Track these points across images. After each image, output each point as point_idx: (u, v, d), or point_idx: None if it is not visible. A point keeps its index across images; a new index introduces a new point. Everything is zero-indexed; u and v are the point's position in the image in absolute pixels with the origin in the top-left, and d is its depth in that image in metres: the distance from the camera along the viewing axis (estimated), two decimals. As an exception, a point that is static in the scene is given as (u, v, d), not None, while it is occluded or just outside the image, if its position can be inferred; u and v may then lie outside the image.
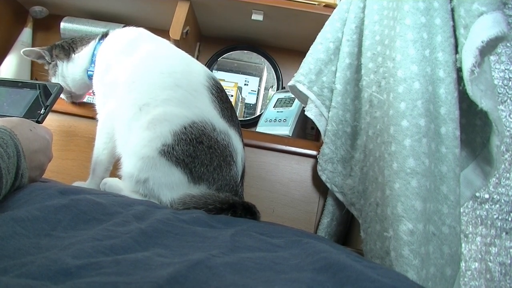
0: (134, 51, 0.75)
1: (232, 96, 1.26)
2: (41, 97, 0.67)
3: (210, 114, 0.66)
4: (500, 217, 0.87)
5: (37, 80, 1.33)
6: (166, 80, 0.68)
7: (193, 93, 0.67)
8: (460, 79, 0.62)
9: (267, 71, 1.36)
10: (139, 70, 0.71)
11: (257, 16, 1.14)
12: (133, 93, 0.69)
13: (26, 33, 1.31)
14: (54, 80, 0.88)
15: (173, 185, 0.62)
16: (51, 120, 0.91)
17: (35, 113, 0.64)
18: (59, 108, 0.93)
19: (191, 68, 0.72)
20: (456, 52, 0.63)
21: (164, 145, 0.61)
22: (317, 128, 0.88)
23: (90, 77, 0.83)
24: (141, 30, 0.81)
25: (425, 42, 0.63)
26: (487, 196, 0.89)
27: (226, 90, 0.76)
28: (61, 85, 0.69)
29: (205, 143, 0.63)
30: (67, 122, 0.95)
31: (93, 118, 0.95)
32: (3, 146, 0.43)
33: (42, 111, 0.65)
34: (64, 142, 0.94)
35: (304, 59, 0.89)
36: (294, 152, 0.92)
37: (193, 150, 0.62)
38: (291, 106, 1.10)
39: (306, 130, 1.15)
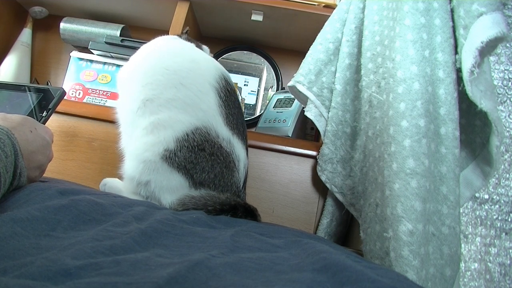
0: (146, 47, 0.75)
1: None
2: (43, 100, 0.68)
3: (214, 119, 0.64)
4: (499, 218, 0.87)
5: (37, 81, 1.33)
6: (171, 78, 0.66)
7: (198, 93, 0.65)
8: (459, 80, 0.62)
9: (267, 72, 1.36)
10: (144, 63, 0.70)
11: (257, 17, 1.15)
12: (134, 84, 0.67)
13: (26, 33, 1.32)
14: None
15: (174, 189, 0.61)
16: (52, 121, 0.91)
17: (37, 116, 0.65)
18: (59, 109, 0.93)
19: (199, 67, 0.69)
20: (456, 52, 0.63)
21: (166, 150, 0.60)
22: (317, 128, 0.88)
23: None
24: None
25: (424, 43, 0.63)
26: (486, 196, 0.89)
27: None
28: (63, 89, 0.70)
29: (207, 150, 0.62)
30: (68, 122, 0.95)
31: (93, 118, 0.95)
32: (0, 145, 0.43)
33: (44, 113, 0.65)
34: (65, 143, 0.94)
35: (304, 59, 0.89)
36: (294, 152, 0.92)
37: (194, 157, 0.61)
38: (290, 106, 1.10)
39: (305, 131, 1.15)
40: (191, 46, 0.78)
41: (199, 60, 0.71)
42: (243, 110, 1.33)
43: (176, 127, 0.62)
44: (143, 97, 0.65)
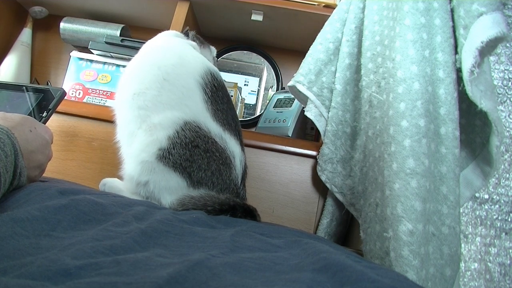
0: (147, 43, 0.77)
1: (231, 96, 1.26)
2: (44, 100, 0.68)
3: (202, 114, 0.64)
4: (499, 218, 0.87)
5: (37, 81, 1.33)
6: (155, 73, 0.66)
7: (182, 89, 0.65)
8: (459, 80, 0.62)
9: (267, 72, 1.36)
10: (137, 58, 0.72)
11: (257, 16, 1.15)
12: (124, 78, 0.70)
13: (26, 33, 1.32)
14: None
15: (173, 189, 0.61)
16: (52, 121, 0.91)
17: (37, 117, 0.65)
18: (59, 109, 0.93)
19: (184, 62, 0.69)
20: (456, 52, 0.63)
21: (160, 150, 0.60)
22: (317, 128, 0.88)
23: None
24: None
25: (424, 43, 0.63)
26: (486, 196, 0.89)
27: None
28: (64, 90, 0.70)
29: (201, 147, 0.61)
30: (67, 122, 0.95)
31: (93, 118, 0.95)
32: (0, 145, 0.43)
33: (44, 114, 0.65)
34: (64, 143, 0.94)
35: (304, 59, 0.89)
36: (294, 152, 0.92)
37: (189, 154, 0.61)
38: (290, 106, 1.10)
39: (305, 131, 1.15)
40: (181, 43, 0.78)
41: (185, 56, 0.71)
42: (243, 110, 1.33)
43: (166, 124, 0.62)
44: (131, 91, 0.66)
